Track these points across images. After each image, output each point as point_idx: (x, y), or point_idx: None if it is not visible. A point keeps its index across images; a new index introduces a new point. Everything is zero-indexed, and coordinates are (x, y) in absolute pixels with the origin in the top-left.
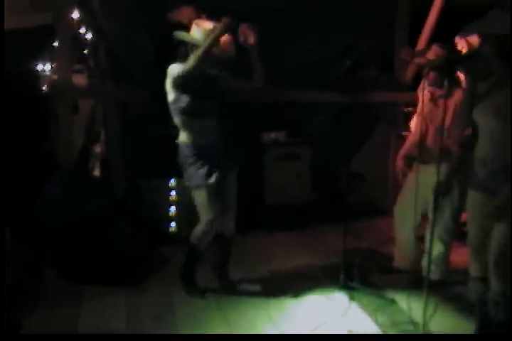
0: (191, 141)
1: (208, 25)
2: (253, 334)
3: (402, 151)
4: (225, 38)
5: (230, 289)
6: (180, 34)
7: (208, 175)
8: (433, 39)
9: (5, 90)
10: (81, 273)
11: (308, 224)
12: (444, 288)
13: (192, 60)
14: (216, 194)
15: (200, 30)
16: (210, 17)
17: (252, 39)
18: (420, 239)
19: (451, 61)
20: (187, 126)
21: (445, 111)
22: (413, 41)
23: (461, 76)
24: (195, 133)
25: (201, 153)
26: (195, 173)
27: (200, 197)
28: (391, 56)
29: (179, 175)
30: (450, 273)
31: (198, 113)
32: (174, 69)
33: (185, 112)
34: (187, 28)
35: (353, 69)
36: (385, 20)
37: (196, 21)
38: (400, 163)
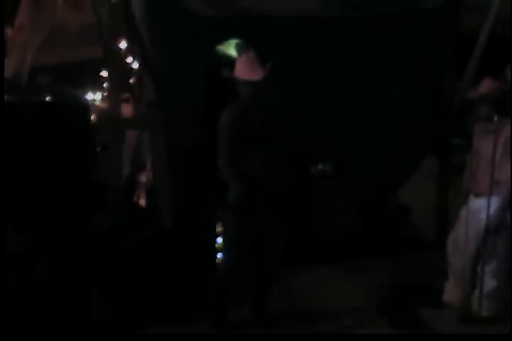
0: (233, 174)
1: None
2: (256, 333)
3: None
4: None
5: (265, 323)
6: (227, 74)
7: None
8: (480, 69)
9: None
10: (128, 305)
11: (356, 255)
12: (496, 324)
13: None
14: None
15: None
16: (258, 52)
17: None
18: (473, 273)
19: (506, 94)
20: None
21: (496, 145)
22: (460, 71)
23: None
24: (238, 166)
25: (238, 186)
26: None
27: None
28: (438, 86)
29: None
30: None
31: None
32: (221, 120)
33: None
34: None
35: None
36: (431, 50)
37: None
38: None
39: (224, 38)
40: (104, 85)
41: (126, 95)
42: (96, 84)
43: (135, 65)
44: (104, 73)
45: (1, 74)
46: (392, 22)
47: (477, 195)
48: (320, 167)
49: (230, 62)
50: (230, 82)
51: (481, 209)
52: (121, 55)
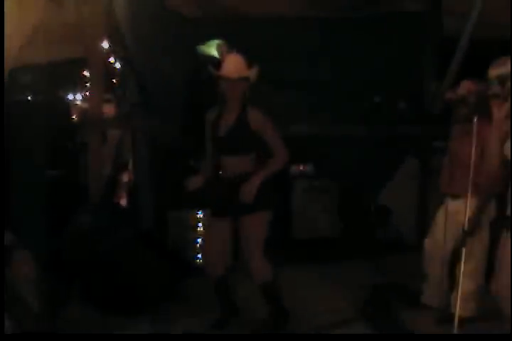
0: (207, 172)
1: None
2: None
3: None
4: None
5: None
6: (211, 69)
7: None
8: (460, 72)
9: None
10: (107, 305)
11: (336, 257)
12: (474, 325)
13: None
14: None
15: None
16: (240, 52)
17: None
18: (451, 274)
19: (487, 97)
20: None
21: (474, 147)
22: (441, 74)
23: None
24: (215, 166)
25: (211, 186)
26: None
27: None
28: (419, 89)
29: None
30: (483, 309)
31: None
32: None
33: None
34: (219, 61)
35: (380, 103)
36: (413, 53)
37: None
38: None
39: (207, 39)
40: (87, 85)
41: (108, 95)
42: (78, 83)
43: (117, 65)
44: (87, 73)
45: (0, 74)
46: (374, 24)
47: (455, 197)
48: (300, 168)
49: (212, 62)
50: (212, 82)
51: (458, 211)
52: (104, 55)
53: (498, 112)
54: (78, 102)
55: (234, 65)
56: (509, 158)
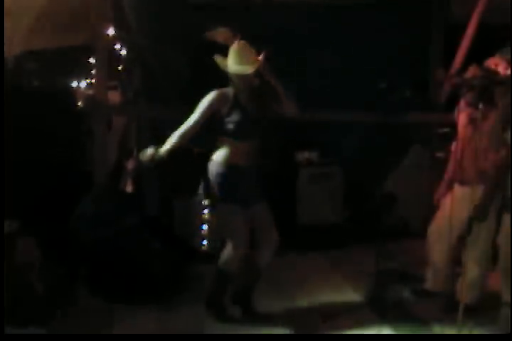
0: (226, 162)
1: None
2: (253, 334)
3: (447, 175)
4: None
5: (251, 316)
6: (219, 61)
7: (232, 200)
8: (468, 58)
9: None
10: (113, 291)
11: (341, 244)
12: (478, 312)
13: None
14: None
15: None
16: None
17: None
18: (456, 261)
19: (495, 81)
20: (226, 146)
21: (481, 133)
22: (448, 61)
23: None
24: (232, 155)
25: (231, 176)
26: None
27: (224, 219)
28: (426, 76)
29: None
30: (485, 297)
31: (241, 136)
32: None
33: (228, 134)
34: (224, 48)
35: (387, 90)
36: (420, 40)
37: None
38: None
39: (212, 26)
40: (92, 72)
41: (113, 82)
42: (84, 70)
43: (123, 52)
44: (92, 60)
45: (0, 73)
46: (382, 11)
47: (462, 183)
48: (306, 155)
49: (219, 49)
50: (217, 69)
51: (465, 197)
52: (110, 41)
53: (504, 98)
54: (83, 89)
55: (245, 58)
56: None
